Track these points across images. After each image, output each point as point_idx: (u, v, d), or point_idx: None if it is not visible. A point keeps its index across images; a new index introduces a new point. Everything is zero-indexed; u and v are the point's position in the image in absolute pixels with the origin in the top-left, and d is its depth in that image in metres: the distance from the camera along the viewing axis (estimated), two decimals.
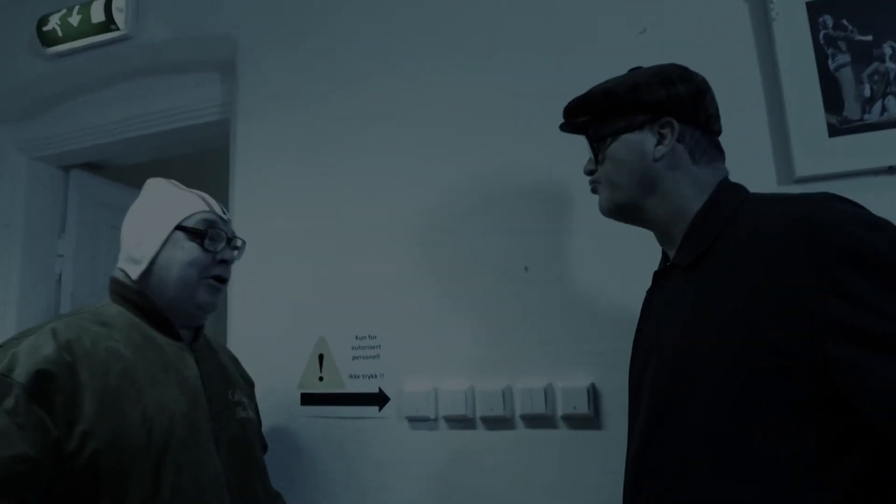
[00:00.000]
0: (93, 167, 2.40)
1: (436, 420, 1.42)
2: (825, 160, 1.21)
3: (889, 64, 1.20)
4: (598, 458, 1.27)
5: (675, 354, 0.80)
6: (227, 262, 1.15)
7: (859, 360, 0.65)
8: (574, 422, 1.31)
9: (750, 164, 1.26)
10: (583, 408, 1.28)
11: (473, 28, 1.54)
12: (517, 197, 1.44)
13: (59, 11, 1.99)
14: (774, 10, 1.28)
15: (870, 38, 1.22)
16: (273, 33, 1.79)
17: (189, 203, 1.13)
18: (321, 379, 1.54)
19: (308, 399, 1.55)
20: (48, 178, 2.27)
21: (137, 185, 2.52)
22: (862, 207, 0.74)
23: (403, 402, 1.45)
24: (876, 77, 1.21)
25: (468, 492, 1.37)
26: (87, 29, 1.95)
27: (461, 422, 1.40)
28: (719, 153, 0.92)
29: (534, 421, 1.34)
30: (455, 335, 1.43)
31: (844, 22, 1.23)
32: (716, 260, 0.79)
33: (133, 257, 1.10)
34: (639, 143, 0.88)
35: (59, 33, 1.98)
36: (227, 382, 1.17)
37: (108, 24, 1.92)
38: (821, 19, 1.25)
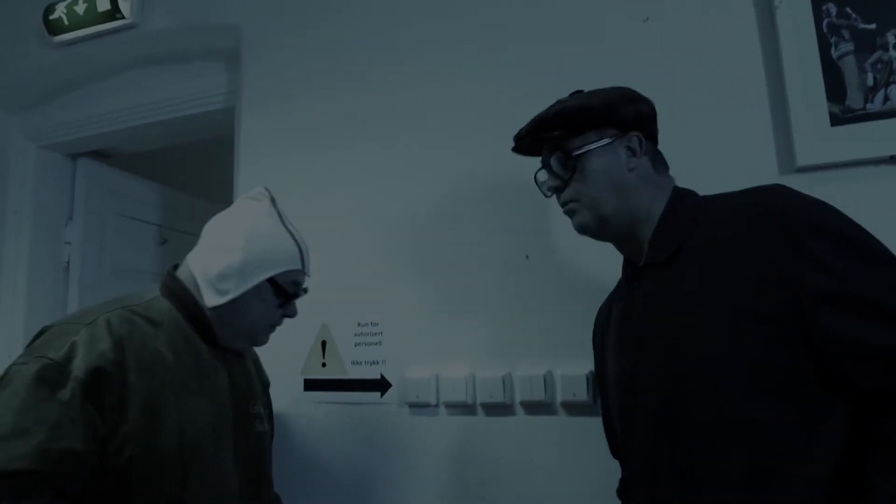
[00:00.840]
0: (100, 155, 2.42)
1: (437, 406, 1.44)
2: (827, 149, 1.21)
3: (893, 53, 1.19)
4: (596, 445, 1.27)
5: (672, 348, 0.85)
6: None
7: (831, 321, 0.74)
8: (573, 408, 1.32)
9: (751, 153, 1.27)
10: (582, 395, 1.30)
11: (478, 21, 1.54)
12: (519, 187, 1.44)
13: (65, 0, 2.00)
14: None
15: (873, 26, 1.21)
16: (278, 23, 1.80)
17: (288, 255, 1.11)
18: (324, 365, 1.56)
19: (311, 385, 1.57)
20: (56, 165, 2.30)
21: (144, 174, 2.58)
22: (804, 193, 0.84)
23: (405, 389, 1.46)
24: (879, 66, 1.20)
25: (468, 477, 1.39)
26: (93, 17, 1.96)
27: (462, 408, 1.41)
28: (667, 164, 1.01)
29: (533, 407, 1.35)
30: (456, 323, 1.45)
31: (848, 10, 1.23)
32: (690, 254, 0.86)
33: (217, 287, 1.06)
34: (613, 156, 0.94)
35: (66, 22, 2.00)
36: (250, 393, 1.18)
37: (114, 12, 1.93)
38: (824, 7, 1.24)
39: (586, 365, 1.31)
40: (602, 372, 1.08)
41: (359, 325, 1.54)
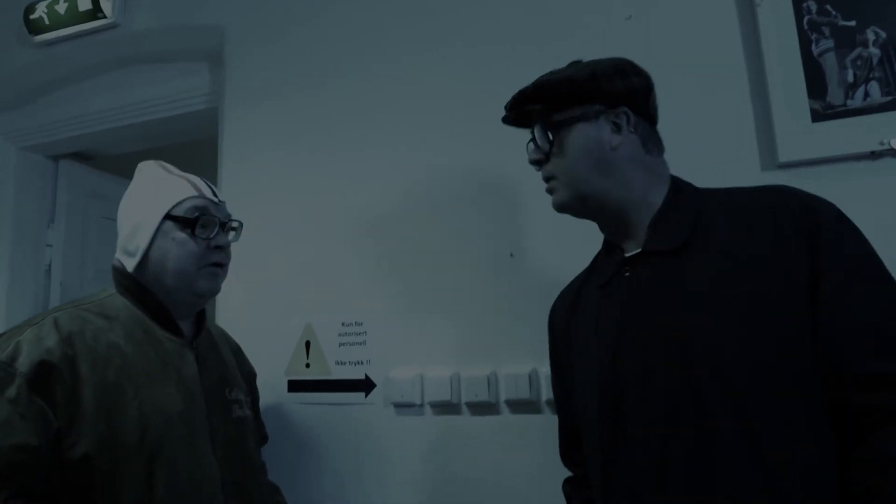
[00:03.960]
0: (82, 157, 2.39)
1: (421, 406, 1.43)
2: (808, 146, 1.21)
3: (872, 49, 1.20)
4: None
5: (687, 344, 0.78)
6: (222, 248, 1.12)
7: (831, 291, 0.75)
8: None
9: (733, 149, 1.27)
10: None
11: (458, 22, 1.54)
12: (503, 184, 1.44)
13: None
14: None
15: (853, 23, 1.22)
16: (261, 23, 1.78)
17: (177, 189, 1.09)
18: (308, 366, 1.54)
19: (295, 386, 1.55)
20: (37, 167, 2.27)
21: (128, 175, 2.53)
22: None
23: (389, 389, 1.45)
24: (859, 62, 1.21)
25: (453, 476, 1.37)
26: (74, 17, 1.94)
27: (446, 407, 1.40)
28: (662, 147, 0.95)
29: (518, 406, 1.35)
30: (441, 321, 1.44)
31: (828, 7, 1.23)
32: (705, 243, 0.82)
33: (127, 249, 1.08)
34: (595, 132, 0.89)
35: (46, 21, 1.97)
36: (225, 380, 1.16)
37: (95, 12, 1.92)
38: (805, 4, 1.25)
39: None
40: (565, 366, 1.01)
41: (343, 325, 1.52)
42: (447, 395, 1.38)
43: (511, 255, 1.40)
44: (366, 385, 1.48)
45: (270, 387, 1.55)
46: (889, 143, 1.17)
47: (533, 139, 0.95)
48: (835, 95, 1.21)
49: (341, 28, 1.67)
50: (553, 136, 0.91)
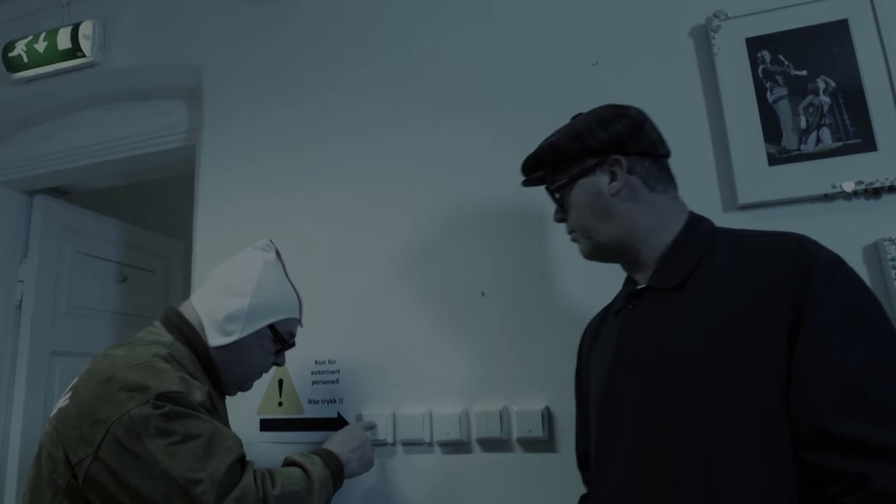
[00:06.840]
0: (58, 192, 2.38)
1: (394, 444, 1.42)
2: (765, 188, 1.26)
3: (822, 97, 1.26)
4: (552, 481, 1.28)
5: (658, 377, 0.82)
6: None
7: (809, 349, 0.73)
8: (529, 445, 1.32)
9: (697, 191, 1.29)
10: (537, 431, 1.30)
11: (432, 60, 1.59)
12: (475, 223, 1.47)
13: (25, 38, 2.00)
14: (716, 46, 1.34)
15: (804, 72, 1.28)
16: (237, 61, 1.82)
17: (289, 304, 1.22)
18: (280, 404, 1.53)
19: (267, 425, 1.54)
20: (11, 202, 2.24)
21: (104, 210, 2.54)
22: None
23: None
24: (811, 109, 1.27)
25: None
26: (54, 55, 1.96)
27: (419, 446, 1.40)
28: (671, 179, 0.98)
29: (490, 444, 1.35)
30: (413, 360, 1.44)
31: (781, 57, 1.30)
32: (702, 282, 0.84)
33: (223, 328, 1.14)
34: (594, 185, 0.94)
35: (25, 59, 1.99)
36: None
37: (75, 50, 1.94)
38: (759, 54, 1.31)
39: (542, 400, 1.33)
40: (584, 384, 1.06)
41: (316, 362, 1.52)
42: (419, 433, 1.38)
43: (482, 294, 1.42)
44: (338, 424, 1.46)
45: (242, 425, 1.53)
46: (841, 186, 1.22)
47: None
48: (789, 140, 1.27)
49: (316, 66, 1.71)
50: (561, 196, 0.98)
